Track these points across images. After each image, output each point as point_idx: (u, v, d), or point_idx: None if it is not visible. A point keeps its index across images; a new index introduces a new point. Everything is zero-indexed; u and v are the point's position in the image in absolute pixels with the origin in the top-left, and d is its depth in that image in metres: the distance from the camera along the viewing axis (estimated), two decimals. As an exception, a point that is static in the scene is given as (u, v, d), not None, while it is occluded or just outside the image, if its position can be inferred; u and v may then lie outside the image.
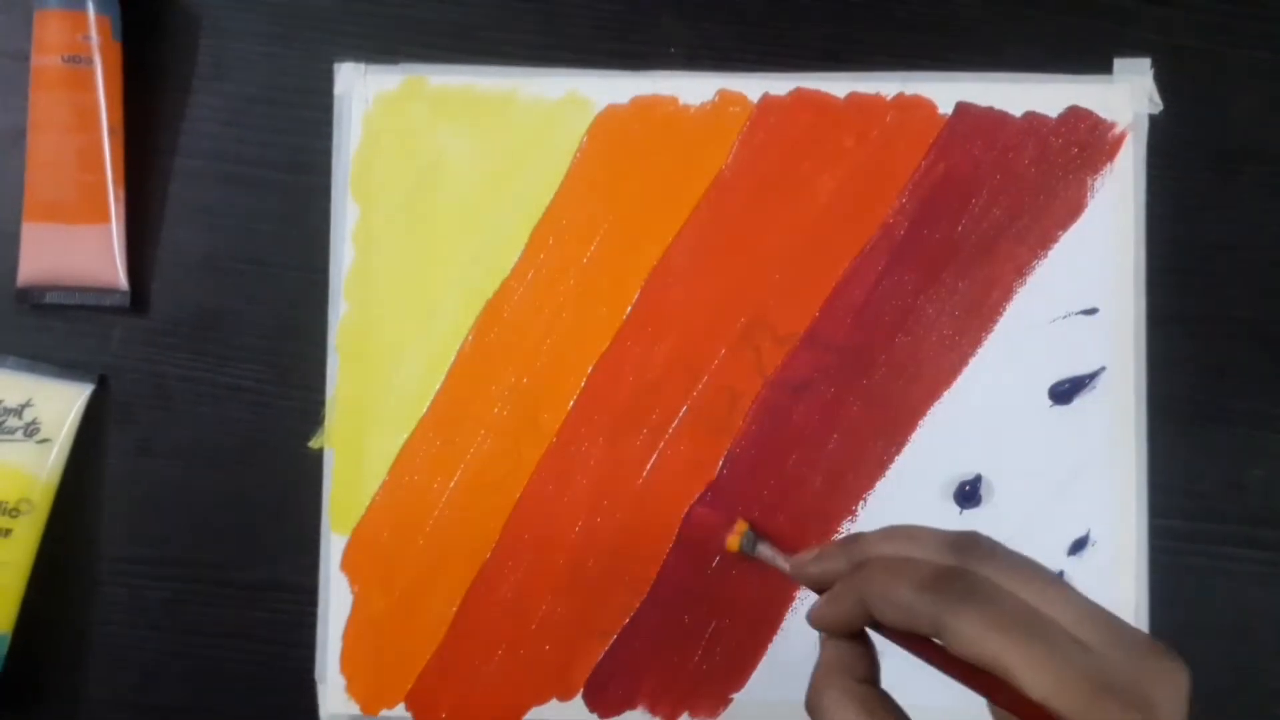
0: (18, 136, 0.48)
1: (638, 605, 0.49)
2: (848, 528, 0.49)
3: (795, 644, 0.48)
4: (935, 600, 0.27)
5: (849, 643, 0.31)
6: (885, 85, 0.50)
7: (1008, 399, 0.49)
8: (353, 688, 0.48)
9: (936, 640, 0.28)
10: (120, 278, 0.48)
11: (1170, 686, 0.26)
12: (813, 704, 0.30)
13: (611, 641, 0.49)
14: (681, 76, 0.50)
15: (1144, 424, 0.48)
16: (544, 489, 0.49)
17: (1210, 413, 0.49)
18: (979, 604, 0.27)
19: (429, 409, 0.49)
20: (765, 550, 0.46)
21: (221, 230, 0.50)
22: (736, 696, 0.48)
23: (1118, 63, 0.50)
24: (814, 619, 0.32)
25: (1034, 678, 0.25)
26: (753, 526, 0.47)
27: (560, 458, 0.49)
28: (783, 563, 0.44)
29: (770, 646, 0.49)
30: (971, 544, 0.29)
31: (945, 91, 0.49)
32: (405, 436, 0.49)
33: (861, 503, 0.49)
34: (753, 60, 0.50)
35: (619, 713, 0.48)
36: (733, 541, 0.47)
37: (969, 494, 0.48)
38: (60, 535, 0.48)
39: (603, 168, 0.50)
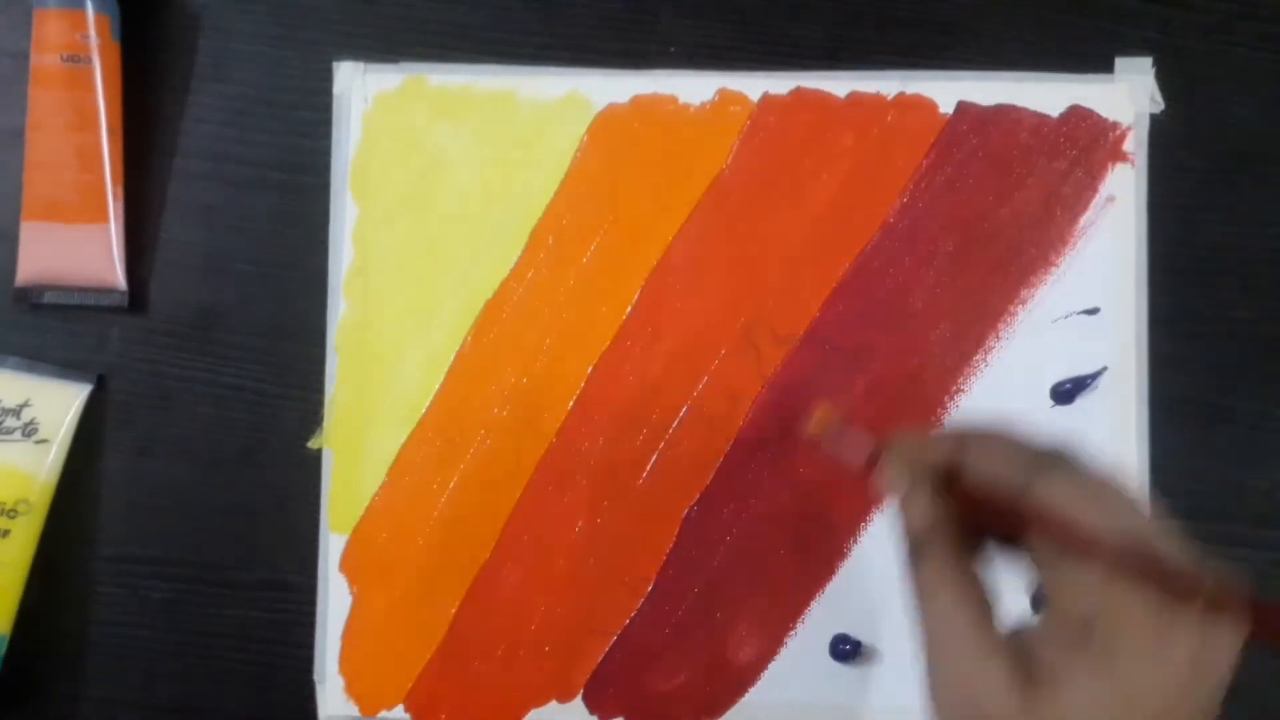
0: (16, 136, 0.48)
1: (638, 605, 0.48)
2: (850, 528, 0.49)
3: (798, 645, 0.48)
4: (1029, 466, 0.29)
5: (940, 499, 0.31)
6: (886, 84, 0.49)
7: (1009, 399, 0.49)
8: (352, 688, 0.48)
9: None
10: (119, 277, 0.48)
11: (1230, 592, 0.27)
12: (916, 568, 0.30)
13: (612, 642, 0.49)
14: (681, 76, 0.50)
15: (1145, 424, 0.48)
16: (544, 489, 0.49)
17: (1211, 413, 0.49)
18: (1067, 474, 0.29)
19: (429, 409, 0.49)
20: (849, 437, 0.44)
21: (220, 230, 0.50)
22: (738, 699, 0.48)
23: (1119, 62, 0.49)
24: (909, 451, 0.32)
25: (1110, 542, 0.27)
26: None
27: (560, 458, 0.49)
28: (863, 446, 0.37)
29: (773, 648, 0.48)
30: (1059, 453, 0.30)
31: (946, 91, 0.49)
32: (405, 436, 0.49)
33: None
34: (753, 59, 0.50)
35: (619, 714, 0.48)
36: (815, 426, 0.46)
37: (970, 494, 0.48)
38: (59, 535, 0.48)
39: (603, 167, 0.49)
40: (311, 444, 0.49)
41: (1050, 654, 0.27)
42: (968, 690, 0.28)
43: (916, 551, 0.30)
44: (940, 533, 0.30)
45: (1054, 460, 0.29)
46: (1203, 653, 0.26)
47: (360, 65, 0.50)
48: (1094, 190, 0.49)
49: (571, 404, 0.49)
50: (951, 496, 0.31)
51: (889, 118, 0.49)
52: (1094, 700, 0.26)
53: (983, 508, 0.30)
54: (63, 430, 0.48)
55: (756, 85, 0.49)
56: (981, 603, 0.29)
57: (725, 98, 0.50)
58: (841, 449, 0.42)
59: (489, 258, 0.49)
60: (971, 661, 0.28)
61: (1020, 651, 0.27)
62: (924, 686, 0.29)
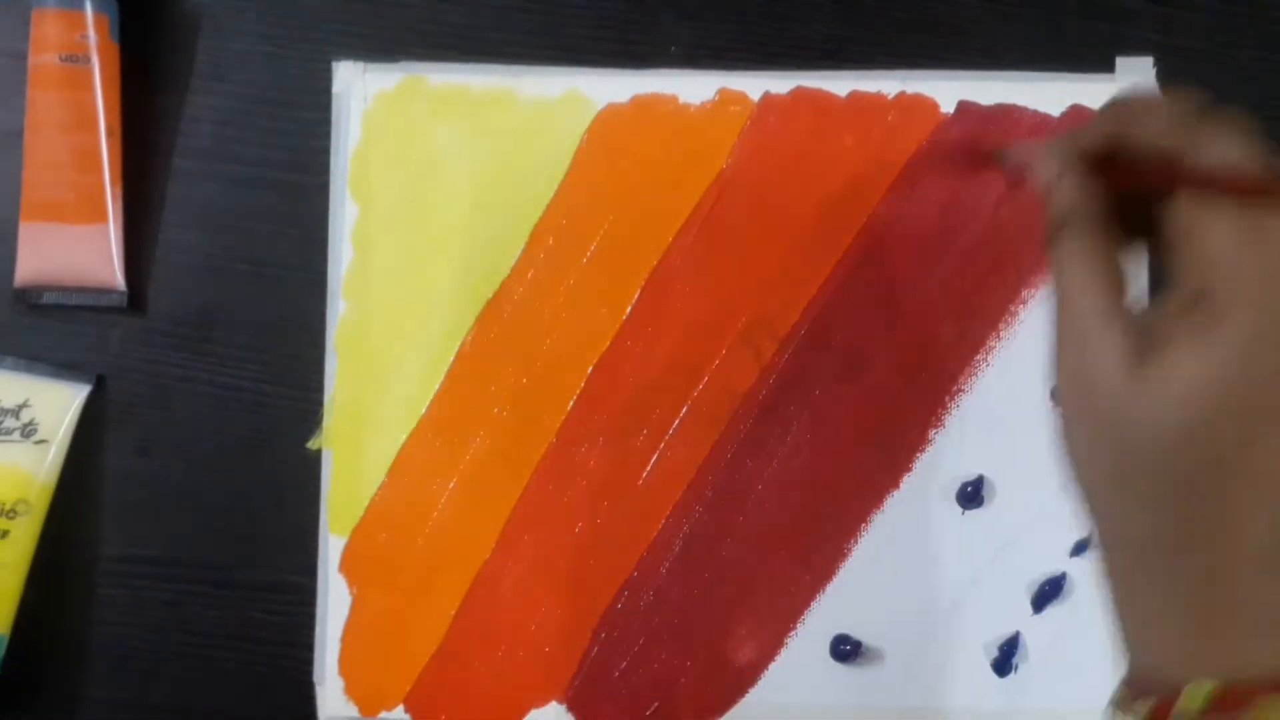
0: (15, 136, 0.48)
1: (638, 606, 0.48)
2: (850, 528, 0.49)
3: (799, 645, 0.48)
4: (1194, 118, 0.29)
5: (1090, 181, 0.31)
6: (886, 84, 0.49)
7: (1010, 399, 0.48)
8: (351, 689, 0.48)
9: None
10: (118, 278, 0.48)
11: None
12: (1056, 245, 0.30)
13: (612, 642, 0.48)
14: (682, 75, 0.50)
15: (1146, 424, 0.48)
16: (544, 489, 0.49)
17: (1212, 413, 0.49)
18: (1226, 133, 0.28)
19: (428, 409, 0.49)
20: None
21: (220, 230, 0.50)
22: (738, 699, 0.48)
23: (1120, 62, 0.49)
24: (1064, 141, 0.32)
25: None
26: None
27: (560, 458, 0.49)
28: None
29: (773, 648, 0.48)
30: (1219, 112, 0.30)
31: (946, 90, 0.49)
32: (405, 437, 0.49)
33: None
34: (753, 59, 0.50)
35: (619, 714, 0.48)
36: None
37: (971, 495, 0.48)
38: (58, 536, 0.48)
39: (603, 167, 0.49)
40: (311, 444, 0.49)
41: (1164, 328, 0.27)
42: (1083, 360, 0.28)
43: (1058, 229, 0.30)
44: (1083, 211, 0.30)
45: (1214, 118, 0.29)
46: None
47: (360, 65, 0.50)
48: (1094, 190, 0.49)
49: (571, 404, 0.49)
50: (1107, 176, 0.31)
51: (889, 117, 0.49)
52: (1196, 363, 0.26)
53: (1139, 173, 0.30)
54: (62, 430, 0.48)
55: (757, 85, 0.49)
56: (1113, 280, 0.29)
57: (725, 97, 0.49)
58: (1015, 158, 0.40)
59: (489, 257, 0.49)
60: (1093, 333, 0.28)
61: (1144, 330, 0.28)
62: (1050, 363, 0.30)
